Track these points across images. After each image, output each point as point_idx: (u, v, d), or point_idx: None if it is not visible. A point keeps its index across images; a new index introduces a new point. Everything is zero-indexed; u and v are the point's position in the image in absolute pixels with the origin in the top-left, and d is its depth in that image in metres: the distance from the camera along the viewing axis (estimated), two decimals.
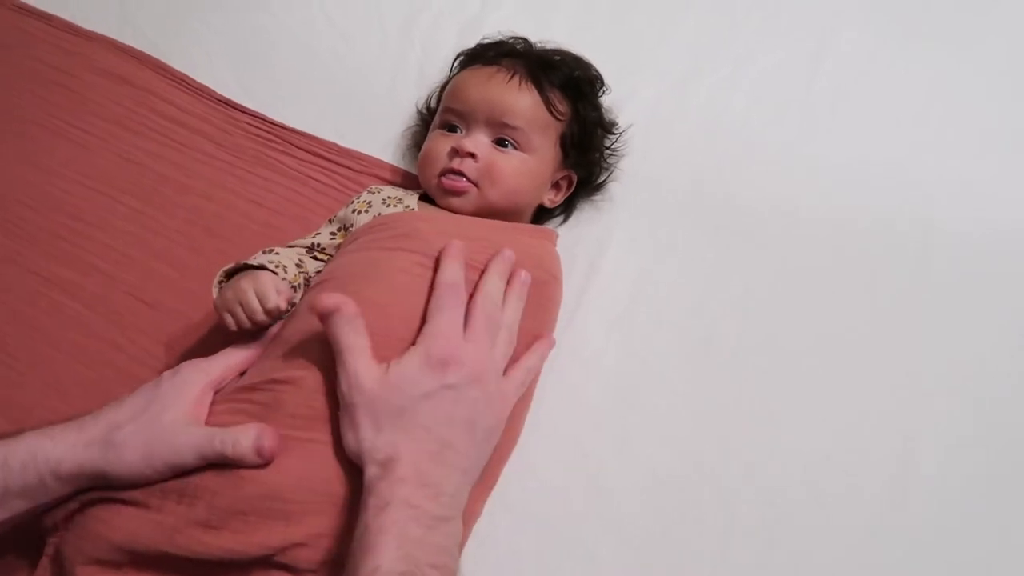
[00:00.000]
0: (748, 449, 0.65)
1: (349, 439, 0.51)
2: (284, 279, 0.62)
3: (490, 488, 0.62)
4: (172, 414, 0.52)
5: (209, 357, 0.57)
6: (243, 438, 0.50)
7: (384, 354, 0.54)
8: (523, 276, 0.61)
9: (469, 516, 0.60)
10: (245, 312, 0.59)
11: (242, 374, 0.59)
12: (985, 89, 0.83)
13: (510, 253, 0.61)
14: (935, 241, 0.74)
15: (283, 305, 0.59)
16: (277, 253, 0.65)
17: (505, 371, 0.59)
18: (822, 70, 0.85)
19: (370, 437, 0.50)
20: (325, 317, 0.53)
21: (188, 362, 0.57)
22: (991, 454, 0.64)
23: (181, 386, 0.54)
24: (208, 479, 0.51)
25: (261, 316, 0.59)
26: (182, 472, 0.51)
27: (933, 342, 0.69)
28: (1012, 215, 0.75)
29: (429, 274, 0.60)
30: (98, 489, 0.52)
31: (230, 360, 0.57)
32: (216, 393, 0.56)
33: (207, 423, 0.53)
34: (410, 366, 0.52)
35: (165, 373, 0.56)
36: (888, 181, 0.78)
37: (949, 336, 0.69)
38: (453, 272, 0.57)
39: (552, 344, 0.65)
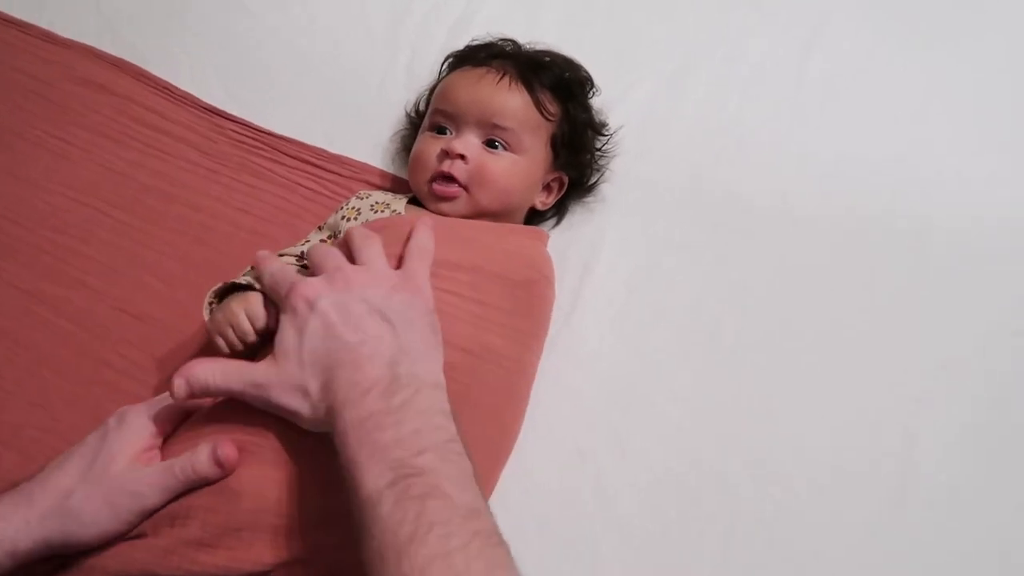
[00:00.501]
0: (747, 447, 0.65)
1: (302, 425, 0.50)
2: None
3: (489, 491, 0.61)
4: (120, 464, 0.50)
5: (154, 401, 0.55)
6: (199, 456, 0.49)
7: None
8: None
9: None
10: (236, 334, 0.59)
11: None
12: (980, 84, 0.83)
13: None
14: (932, 237, 0.74)
15: (273, 324, 0.59)
16: None
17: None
18: (814, 66, 0.85)
19: (307, 409, 0.49)
20: (192, 395, 0.51)
21: (132, 408, 0.54)
22: (990, 450, 0.64)
23: (126, 436, 0.52)
24: (202, 497, 0.50)
25: (252, 338, 0.59)
26: (153, 512, 0.50)
27: (931, 338, 0.69)
28: (1009, 211, 0.75)
29: None
30: (67, 556, 0.50)
31: (176, 403, 0.54)
32: (174, 432, 0.55)
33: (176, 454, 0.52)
34: (285, 332, 0.51)
35: (110, 421, 0.53)
36: (884, 177, 0.78)
37: (947, 332, 0.69)
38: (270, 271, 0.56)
39: (427, 225, 0.61)
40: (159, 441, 0.54)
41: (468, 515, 0.42)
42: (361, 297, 0.52)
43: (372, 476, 0.43)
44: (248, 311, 0.59)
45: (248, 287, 0.61)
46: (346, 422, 0.46)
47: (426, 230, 0.60)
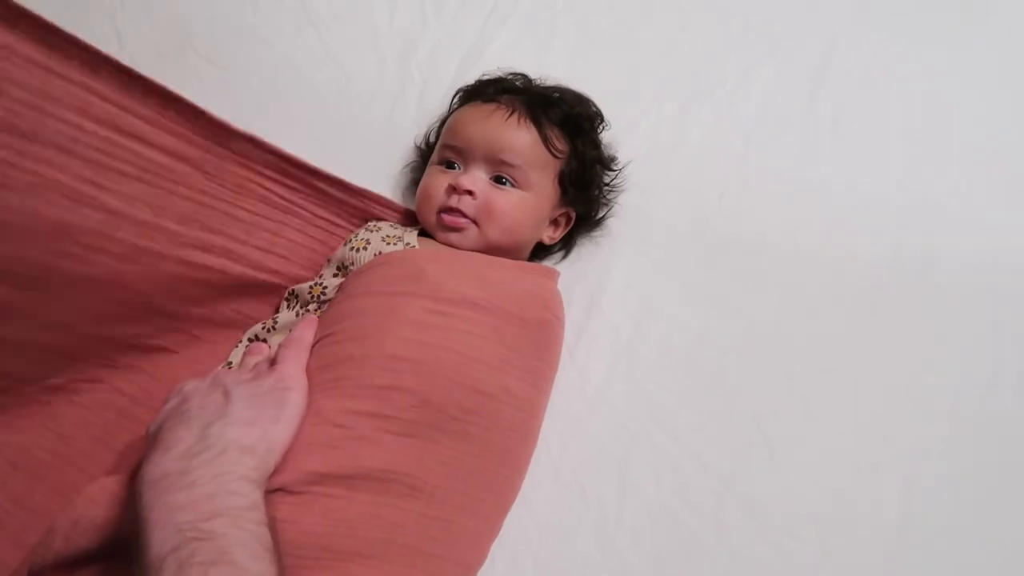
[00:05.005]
0: (747, 489, 0.66)
1: None
2: None
3: (496, 534, 0.62)
4: None
5: None
6: None
7: (412, 414, 0.56)
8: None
9: (475, 561, 0.60)
10: None
11: None
12: (992, 120, 0.83)
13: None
14: (939, 276, 0.74)
15: None
16: None
17: None
18: (822, 100, 0.85)
19: None
20: None
21: None
22: (991, 495, 0.65)
23: None
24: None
25: None
26: None
27: (935, 380, 0.70)
28: (1016, 245, 0.76)
29: (439, 320, 0.60)
30: None
31: None
32: None
33: None
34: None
35: None
36: (889, 209, 0.78)
37: (951, 374, 0.70)
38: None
39: (310, 321, 0.63)
40: None
41: None
42: (221, 383, 0.55)
43: (158, 540, 0.41)
44: None
45: None
46: (142, 480, 0.45)
47: (307, 325, 0.62)
